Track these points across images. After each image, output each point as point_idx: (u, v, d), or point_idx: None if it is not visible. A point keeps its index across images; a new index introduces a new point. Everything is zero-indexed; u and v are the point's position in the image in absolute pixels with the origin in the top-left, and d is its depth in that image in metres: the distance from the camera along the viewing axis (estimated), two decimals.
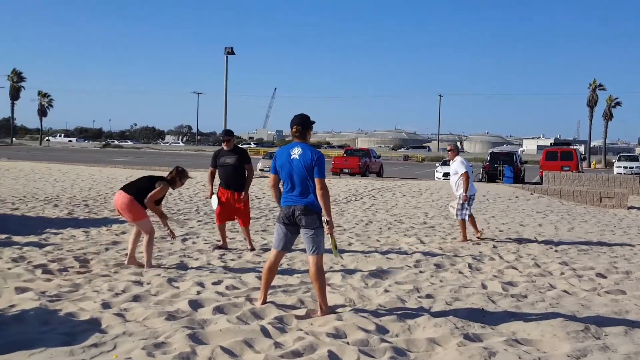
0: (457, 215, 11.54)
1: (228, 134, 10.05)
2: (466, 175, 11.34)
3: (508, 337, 5.57)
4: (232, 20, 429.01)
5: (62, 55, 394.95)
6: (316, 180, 6.02)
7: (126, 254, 8.63)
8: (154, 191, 8.14)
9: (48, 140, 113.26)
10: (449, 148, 12.15)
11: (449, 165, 36.85)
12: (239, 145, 10.51)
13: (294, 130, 6.24)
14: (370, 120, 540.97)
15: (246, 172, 9.90)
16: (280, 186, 6.35)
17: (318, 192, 6.01)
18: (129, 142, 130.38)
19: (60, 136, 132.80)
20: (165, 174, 8.73)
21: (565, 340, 5.52)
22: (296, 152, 6.11)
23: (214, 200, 9.86)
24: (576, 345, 5.40)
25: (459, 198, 11.43)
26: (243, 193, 9.84)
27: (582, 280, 8.31)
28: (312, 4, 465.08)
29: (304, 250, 9.94)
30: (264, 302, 6.43)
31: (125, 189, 8.29)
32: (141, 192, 8.15)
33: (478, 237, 11.73)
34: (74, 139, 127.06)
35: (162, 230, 10.29)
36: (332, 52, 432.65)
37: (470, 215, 11.69)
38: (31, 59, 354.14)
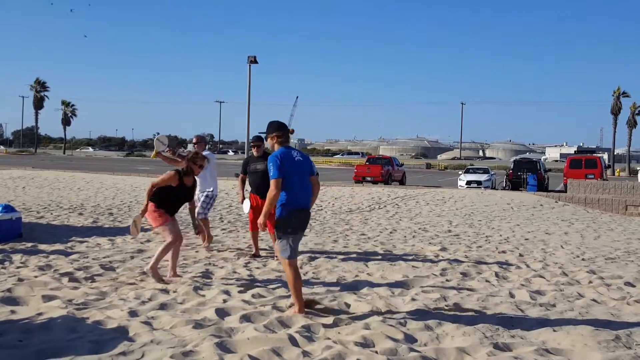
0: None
1: (258, 139, 10.04)
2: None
3: (538, 346, 5.49)
4: (254, 28, 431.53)
5: (85, 64, 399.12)
6: (314, 178, 6.47)
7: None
8: (159, 178, 7.89)
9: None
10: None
11: (471, 173, 36.61)
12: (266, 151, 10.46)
13: (276, 135, 6.43)
14: (392, 129, 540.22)
15: None
16: None
17: (317, 188, 6.56)
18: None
19: None
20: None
21: (596, 350, 5.43)
22: (296, 154, 6.35)
23: (246, 205, 9.87)
24: (607, 355, 5.31)
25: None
26: None
27: (611, 289, 8.20)
28: (334, 12, 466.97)
29: (329, 257, 9.95)
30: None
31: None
32: (157, 194, 7.86)
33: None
34: None
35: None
36: (354, 60, 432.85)
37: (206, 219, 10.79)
38: (55, 69, 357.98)
